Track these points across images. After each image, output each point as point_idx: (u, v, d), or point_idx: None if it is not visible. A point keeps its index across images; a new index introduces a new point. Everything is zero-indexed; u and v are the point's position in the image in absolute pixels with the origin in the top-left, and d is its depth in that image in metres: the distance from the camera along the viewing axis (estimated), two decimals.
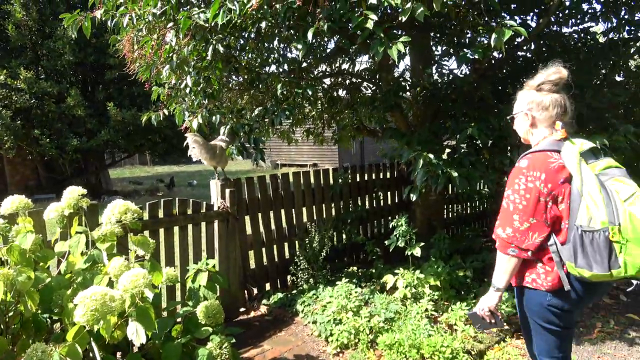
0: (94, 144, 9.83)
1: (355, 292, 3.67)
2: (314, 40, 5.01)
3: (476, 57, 2.68)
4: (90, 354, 2.03)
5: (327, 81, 5.99)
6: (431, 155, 2.90)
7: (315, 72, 5.88)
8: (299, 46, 2.60)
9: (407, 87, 3.99)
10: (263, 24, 2.80)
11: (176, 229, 3.49)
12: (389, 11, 3.59)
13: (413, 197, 3.22)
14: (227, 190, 3.78)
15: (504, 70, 4.72)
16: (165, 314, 3.19)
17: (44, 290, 2.33)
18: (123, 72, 3.81)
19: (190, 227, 3.58)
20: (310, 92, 3.23)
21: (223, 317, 2.62)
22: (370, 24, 2.43)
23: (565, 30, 4.91)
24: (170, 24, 3.10)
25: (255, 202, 4.19)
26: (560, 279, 1.70)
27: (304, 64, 5.61)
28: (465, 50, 2.89)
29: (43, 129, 9.69)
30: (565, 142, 1.74)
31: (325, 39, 5.25)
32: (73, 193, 2.59)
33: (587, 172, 1.65)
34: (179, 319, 2.75)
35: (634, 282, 1.66)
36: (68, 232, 2.65)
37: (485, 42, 3.40)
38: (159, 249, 3.38)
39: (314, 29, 2.45)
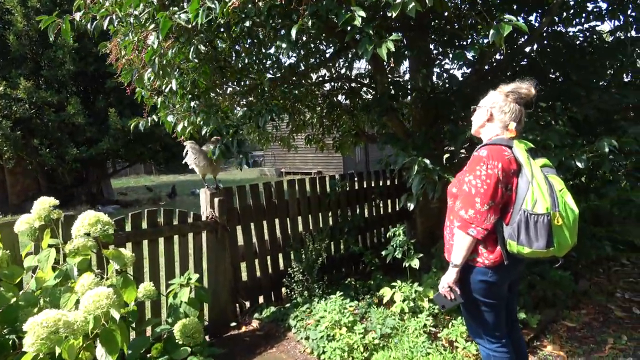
0: (93, 152, 9.73)
1: (351, 306, 3.48)
2: (305, 40, 4.89)
3: (472, 55, 2.51)
4: None
5: (328, 86, 5.86)
6: (427, 161, 2.72)
7: (314, 77, 5.75)
8: (284, 45, 2.45)
9: (404, 91, 3.82)
10: (247, 23, 2.65)
11: (161, 240, 3.33)
12: (383, 10, 3.43)
13: (410, 206, 3.04)
14: (216, 200, 3.62)
15: (507, 72, 4.53)
16: (149, 331, 3.03)
17: (8, 309, 2.17)
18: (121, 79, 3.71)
19: (176, 238, 3.41)
20: (296, 92, 3.04)
21: (203, 336, 2.44)
22: (358, 21, 2.27)
23: (570, 30, 4.74)
24: (152, 26, 2.96)
25: (248, 211, 4.02)
26: (501, 256, 1.98)
27: (301, 69, 5.50)
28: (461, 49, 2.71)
29: (43, 138, 9.62)
30: (513, 140, 2.03)
31: (323, 43, 5.10)
32: (43, 204, 2.44)
33: (535, 166, 1.94)
34: (165, 336, 2.59)
35: (560, 260, 2.01)
36: (40, 246, 2.51)
37: (486, 41, 3.26)
38: (142, 261, 3.22)
39: (297, 26, 2.29)
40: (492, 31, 2.27)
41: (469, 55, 2.57)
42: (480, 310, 2.13)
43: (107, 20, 2.99)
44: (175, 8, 2.75)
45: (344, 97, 5.82)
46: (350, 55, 5.06)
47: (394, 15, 2.25)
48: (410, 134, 3.67)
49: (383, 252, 3.49)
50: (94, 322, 1.84)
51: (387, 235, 3.52)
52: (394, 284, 3.42)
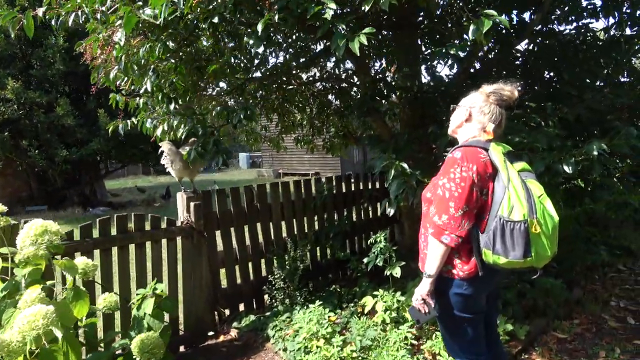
0: (84, 154, 9.58)
1: (333, 315, 3.33)
2: (295, 38, 4.75)
3: (454, 51, 2.36)
4: None
5: (319, 86, 5.72)
6: (404, 165, 2.56)
7: (305, 77, 5.61)
8: (251, 41, 2.30)
9: (388, 90, 3.67)
10: (215, 19, 2.50)
11: (132, 247, 3.18)
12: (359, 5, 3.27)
13: (390, 211, 2.89)
14: (192, 204, 3.47)
15: (498, 72, 4.38)
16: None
17: None
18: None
19: (148, 244, 3.27)
20: (284, 92, 2.89)
21: (165, 351, 2.29)
22: (328, 14, 2.12)
23: (563, 28, 4.59)
24: (119, 22, 2.81)
25: (228, 215, 3.87)
26: (476, 267, 1.85)
27: (290, 68, 5.36)
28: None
29: (32, 139, 9.47)
30: (490, 143, 1.89)
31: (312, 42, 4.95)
32: None
33: (512, 170, 1.81)
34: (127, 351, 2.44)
35: (539, 271, 1.85)
36: None
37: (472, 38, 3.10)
38: (111, 270, 3.07)
39: (264, 20, 2.14)
40: (472, 27, 2.12)
41: (452, 51, 2.40)
42: (457, 324, 1.98)
43: (72, 17, 2.84)
44: (140, 2, 2.60)
45: (334, 97, 5.68)
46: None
47: (367, 8, 2.11)
48: (395, 135, 3.51)
49: (365, 260, 3.33)
50: (33, 341, 1.69)
51: (369, 242, 3.36)
52: (376, 293, 3.27)
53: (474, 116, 1.97)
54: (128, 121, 3.96)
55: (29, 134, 9.57)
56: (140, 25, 2.78)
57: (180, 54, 3.34)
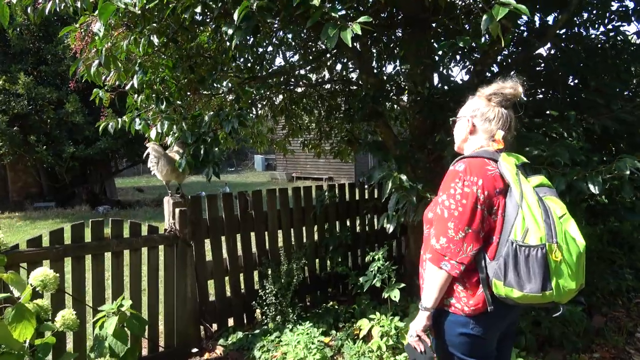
0: (91, 152, 9.47)
1: (324, 338, 3.03)
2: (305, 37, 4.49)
3: (461, 44, 2.06)
4: None
5: (328, 87, 5.46)
6: (403, 177, 2.26)
7: (314, 78, 5.35)
8: (229, 30, 2.03)
9: (395, 93, 3.37)
10: (198, 9, 2.24)
11: (108, 255, 2.93)
12: None
13: (389, 228, 2.58)
14: (177, 210, 3.22)
15: (519, 76, 4.03)
16: None
17: None
18: None
19: (126, 253, 3.02)
20: (262, 92, 2.63)
21: None
22: (316, 0, 1.85)
23: (591, 32, 4.22)
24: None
25: (219, 223, 3.61)
26: (484, 302, 1.56)
27: (301, 70, 5.12)
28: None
29: (40, 135, 9.40)
30: (501, 153, 1.63)
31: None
32: None
33: (526, 185, 1.54)
34: None
35: (561, 307, 1.54)
36: None
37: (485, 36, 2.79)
38: (84, 280, 2.84)
39: (241, 8, 1.87)
40: (484, 17, 1.82)
41: (460, 43, 2.10)
42: None
43: (50, 4, 2.62)
44: None
45: (343, 100, 5.41)
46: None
47: None
48: (399, 142, 3.21)
49: (361, 279, 3.03)
50: None
51: (366, 259, 3.06)
52: (372, 316, 2.96)
53: (478, 126, 1.71)
54: (119, 119, 3.75)
55: (38, 129, 9.51)
56: (120, 15, 2.54)
57: (168, 49, 3.10)
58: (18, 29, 9.30)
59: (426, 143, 3.34)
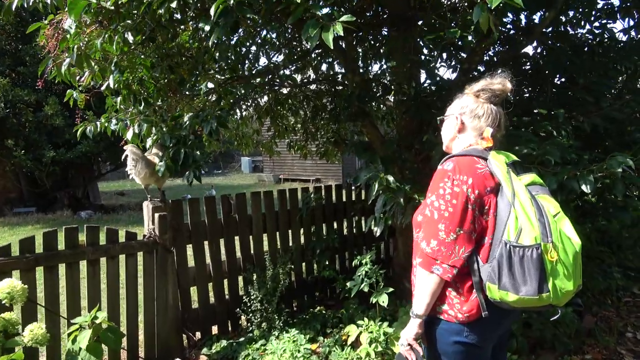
0: (72, 156, 9.23)
1: (311, 345, 2.93)
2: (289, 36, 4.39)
3: (449, 36, 1.98)
4: None
5: (313, 88, 5.37)
6: (390, 178, 2.18)
7: (299, 79, 5.25)
8: (207, 27, 1.93)
9: (382, 92, 3.29)
10: (174, 4, 2.13)
11: (84, 263, 2.79)
12: None
13: (377, 231, 2.49)
14: (157, 215, 3.09)
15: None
16: None
17: None
18: None
19: (103, 261, 2.89)
20: (246, 93, 2.53)
21: None
22: None
23: (577, 31, 4.19)
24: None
25: (201, 228, 3.49)
26: (479, 308, 1.49)
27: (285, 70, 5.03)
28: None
29: (18, 139, 9.13)
30: (490, 151, 1.57)
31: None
32: None
33: (517, 183, 1.48)
34: None
35: (559, 310, 1.47)
36: None
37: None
38: (57, 291, 2.69)
39: (218, 3, 1.77)
40: (476, 8, 1.73)
41: (450, 36, 2.02)
42: None
43: (17, 0, 2.48)
44: None
45: (329, 100, 5.32)
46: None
47: None
48: (385, 142, 3.12)
49: (348, 284, 2.94)
50: None
51: (353, 263, 2.97)
52: (360, 322, 2.87)
53: (467, 123, 1.65)
54: (98, 123, 3.61)
55: (16, 133, 9.23)
56: (93, 11, 2.41)
57: (146, 48, 2.98)
58: None
59: (414, 143, 3.26)
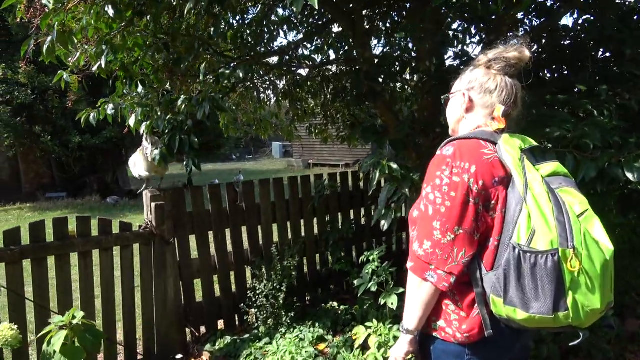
0: (97, 141, 9.29)
1: (310, 350, 2.70)
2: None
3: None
4: None
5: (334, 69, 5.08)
6: (394, 165, 1.89)
7: (320, 59, 4.97)
8: None
9: (400, 69, 2.96)
10: None
11: (75, 256, 2.64)
12: None
13: (384, 225, 2.21)
14: (153, 205, 2.90)
15: (541, 49, 3.58)
16: None
17: None
18: None
19: (96, 253, 2.73)
20: (241, 74, 2.27)
21: None
22: None
23: None
24: None
25: (205, 217, 3.29)
26: (481, 325, 1.22)
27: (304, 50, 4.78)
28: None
29: (45, 125, 9.24)
30: (502, 134, 1.28)
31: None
32: None
33: (532, 173, 1.19)
34: None
35: (582, 334, 1.16)
36: None
37: None
38: (46, 284, 2.55)
39: None
40: None
41: None
42: None
43: None
44: None
45: (349, 82, 5.02)
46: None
47: None
48: (398, 124, 2.81)
49: (355, 282, 2.67)
50: None
51: (360, 260, 2.70)
52: (369, 324, 2.61)
53: (476, 100, 1.35)
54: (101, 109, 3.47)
55: (43, 119, 9.34)
56: None
57: (140, 25, 2.77)
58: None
59: (434, 126, 2.93)
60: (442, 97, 1.46)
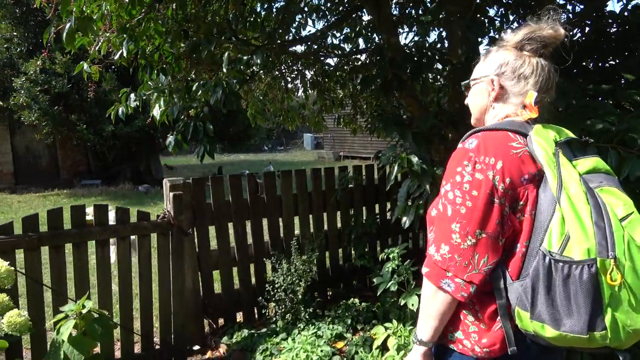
0: (129, 130, 9.46)
1: (327, 350, 2.60)
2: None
3: None
4: None
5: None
6: (414, 158, 1.75)
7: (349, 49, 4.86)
8: None
9: (429, 59, 2.79)
10: None
11: (92, 244, 2.63)
12: None
13: (405, 221, 2.08)
14: (171, 194, 2.86)
15: (585, 36, 3.33)
16: None
17: None
18: None
19: (113, 242, 2.71)
20: (259, 60, 2.18)
21: None
22: None
23: None
24: None
25: (225, 209, 3.24)
26: (503, 340, 1.08)
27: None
28: None
29: (80, 114, 9.47)
30: (535, 125, 1.11)
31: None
32: None
33: (568, 170, 1.02)
34: None
35: (621, 356, 0.99)
36: None
37: None
38: (64, 272, 2.55)
39: None
40: None
41: None
42: None
43: None
44: None
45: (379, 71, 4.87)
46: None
47: None
48: (423, 116, 2.66)
49: (375, 280, 2.55)
50: None
51: (380, 257, 2.57)
52: (388, 324, 2.49)
53: (508, 88, 1.18)
54: (127, 104, 3.45)
55: (79, 108, 9.58)
56: None
57: (161, 11, 2.71)
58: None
59: (464, 117, 2.77)
60: (462, 83, 1.32)
